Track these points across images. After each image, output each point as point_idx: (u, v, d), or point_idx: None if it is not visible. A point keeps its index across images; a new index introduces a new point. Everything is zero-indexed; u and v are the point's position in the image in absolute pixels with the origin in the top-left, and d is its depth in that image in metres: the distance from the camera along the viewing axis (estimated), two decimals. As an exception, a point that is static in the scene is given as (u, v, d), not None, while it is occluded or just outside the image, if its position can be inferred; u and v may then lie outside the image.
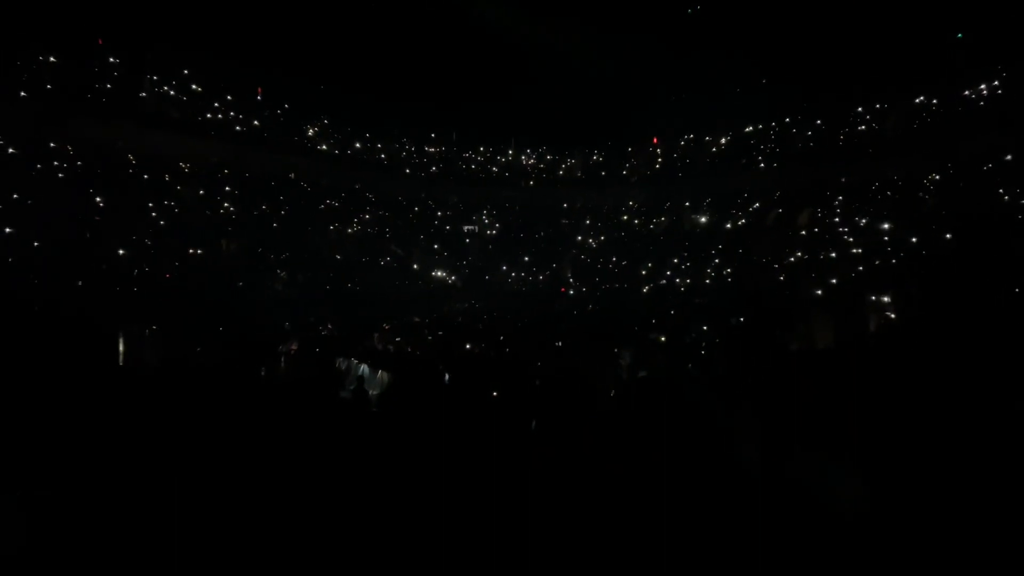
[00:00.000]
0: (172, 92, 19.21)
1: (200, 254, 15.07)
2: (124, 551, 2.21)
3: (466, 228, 23.18)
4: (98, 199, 14.70)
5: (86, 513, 2.31)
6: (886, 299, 10.51)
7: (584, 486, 2.66)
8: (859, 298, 11.00)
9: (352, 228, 20.39)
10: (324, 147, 22.77)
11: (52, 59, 16.42)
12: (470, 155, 25.31)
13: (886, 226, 15.55)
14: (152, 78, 18.73)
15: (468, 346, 11.86)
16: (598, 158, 25.17)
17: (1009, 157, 15.42)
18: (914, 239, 14.27)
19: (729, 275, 16.97)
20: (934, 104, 19.06)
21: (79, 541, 2.18)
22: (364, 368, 9.03)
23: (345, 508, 2.62)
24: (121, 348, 7.55)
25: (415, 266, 19.90)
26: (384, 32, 21.07)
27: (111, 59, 17.93)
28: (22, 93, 15.32)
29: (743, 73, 20.66)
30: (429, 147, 24.87)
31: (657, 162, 24.50)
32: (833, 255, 15.47)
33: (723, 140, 23.36)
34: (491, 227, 23.49)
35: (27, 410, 3.01)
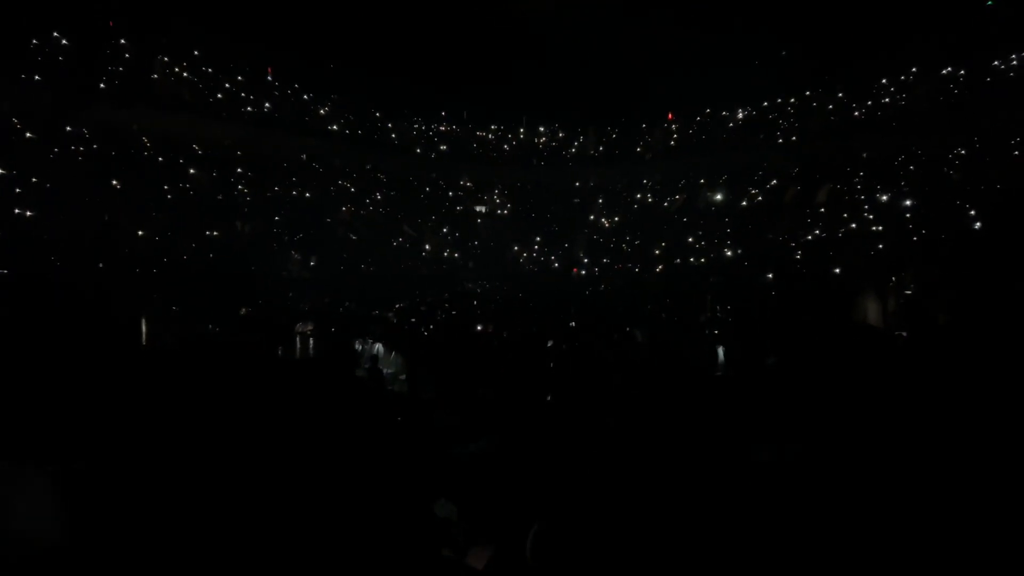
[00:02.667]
0: (184, 74, 19.21)
1: (216, 235, 15.25)
2: (146, 526, 2.28)
3: (478, 208, 23.08)
4: (115, 182, 14.87)
5: (111, 488, 2.38)
6: (908, 279, 10.32)
7: (597, 469, 2.67)
8: (880, 278, 10.81)
9: (365, 209, 20.43)
10: (335, 127, 22.69)
11: (65, 42, 16.46)
12: (482, 134, 25.05)
13: (909, 203, 15.16)
14: (164, 60, 18.72)
15: (480, 327, 11.93)
16: (611, 135, 24.75)
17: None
18: (936, 216, 13.90)
19: (745, 254, 16.74)
20: (961, 75, 18.35)
21: (107, 515, 2.25)
22: (378, 347, 9.15)
23: (361, 487, 2.67)
24: (143, 328, 7.73)
25: (427, 246, 19.94)
26: (394, 10, 20.72)
27: (123, 42, 17.92)
28: (37, 77, 15.42)
29: (762, 45, 20.03)
30: (440, 126, 24.64)
31: (672, 139, 24.01)
32: (853, 226, 15.17)
33: (740, 115, 22.78)
34: (503, 207, 23.36)
35: (52, 389, 3.10)
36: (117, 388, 3.50)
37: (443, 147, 24.47)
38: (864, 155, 19.13)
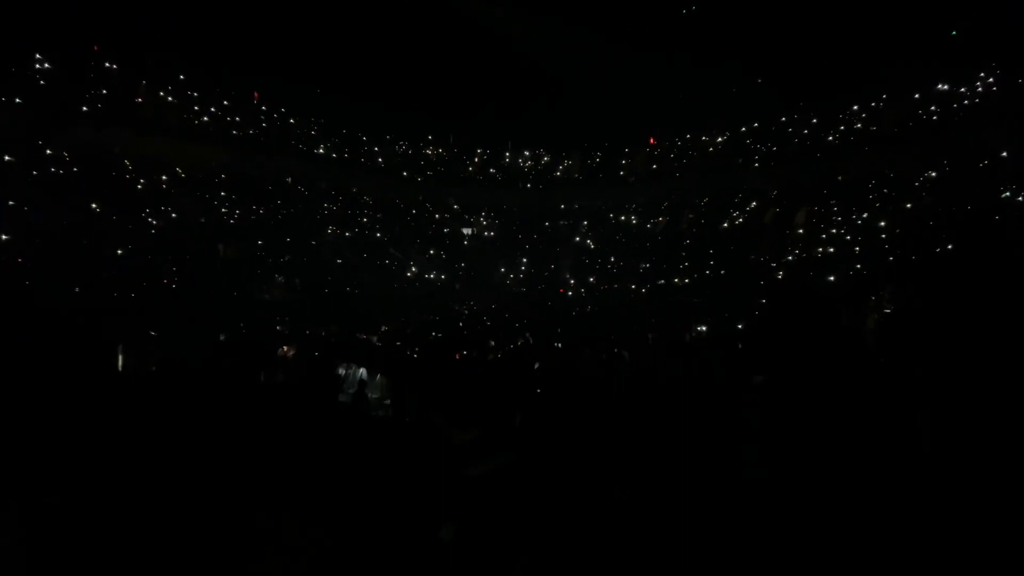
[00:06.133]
0: (169, 98, 19.18)
1: (198, 259, 15.05)
2: (124, 556, 2.20)
3: (464, 230, 23.16)
4: (95, 205, 14.67)
5: (87, 520, 2.30)
6: (884, 296, 10.53)
7: (587, 491, 2.65)
8: (857, 296, 11.03)
9: (350, 231, 20.38)
10: (321, 150, 22.75)
11: (48, 66, 16.38)
12: (467, 157, 25.30)
13: (882, 223, 15.61)
14: (148, 84, 18.70)
15: (467, 349, 11.86)
16: (595, 159, 25.17)
17: (1005, 154, 15.49)
18: (910, 236, 14.32)
19: (728, 274, 17.01)
20: (930, 101, 19.11)
21: (80, 547, 2.16)
22: (363, 372, 9.02)
23: (344, 513, 2.61)
24: (120, 354, 7.53)
25: (413, 268, 19.89)
26: (380, 35, 21.06)
27: (107, 65, 17.89)
28: (18, 100, 15.29)
29: (739, 72, 20.68)
30: (426, 149, 24.84)
31: (654, 162, 24.50)
32: (831, 251, 15.54)
33: (719, 139, 23.37)
34: (489, 229, 23.49)
35: (27, 417, 3.00)
36: (93, 416, 3.39)
37: (429, 171, 24.62)
38: (839, 178, 19.71)
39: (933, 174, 17.29)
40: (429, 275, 19.95)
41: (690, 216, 21.55)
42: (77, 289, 11.25)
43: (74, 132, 16.20)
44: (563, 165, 25.41)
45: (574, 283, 19.85)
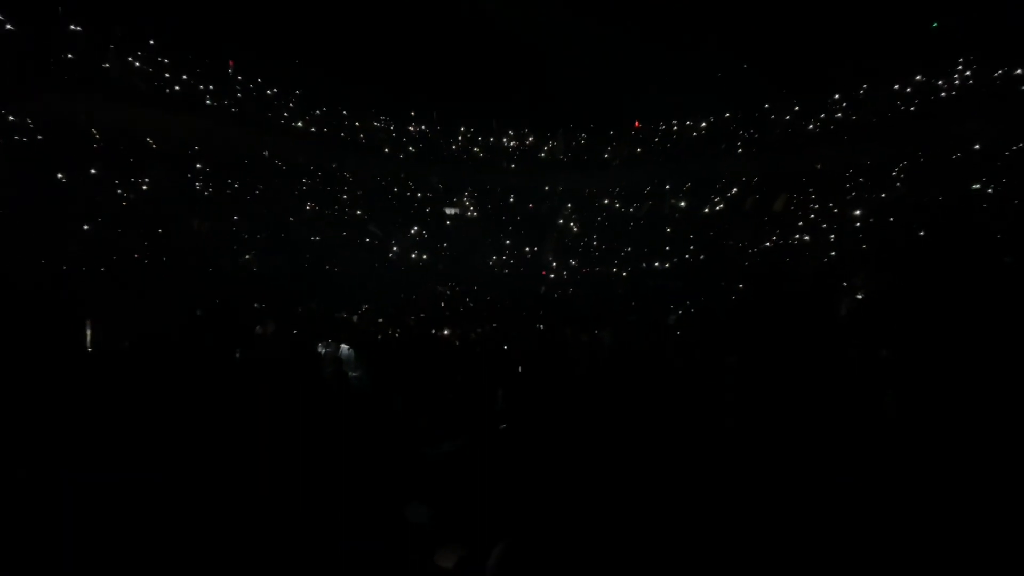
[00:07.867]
0: (138, 64, 18.33)
1: (171, 233, 14.62)
2: (94, 542, 2.16)
3: (447, 210, 22.94)
4: (60, 175, 14.07)
5: (57, 502, 2.24)
6: (858, 283, 10.81)
7: (569, 469, 2.68)
8: (832, 282, 11.29)
9: (329, 208, 19.99)
10: (300, 124, 22.12)
11: (9, 27, 15.48)
12: (452, 136, 24.92)
13: (858, 212, 15.95)
14: (117, 49, 17.83)
15: (448, 329, 11.85)
16: (580, 141, 25.05)
17: (977, 147, 15.88)
18: (884, 225, 14.67)
19: (707, 259, 17.25)
20: (907, 93, 19.43)
21: (52, 531, 2.12)
22: (342, 350, 8.93)
23: (326, 495, 2.60)
24: (88, 331, 7.32)
25: (395, 248, 19.67)
26: (363, 8, 20.42)
27: (72, 27, 16.98)
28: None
29: (724, 59, 20.71)
30: (410, 127, 24.36)
31: (638, 146, 24.50)
32: (807, 239, 15.86)
33: (703, 125, 23.45)
34: (472, 209, 23.30)
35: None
36: (61, 395, 3.30)
37: (412, 148, 24.20)
38: (818, 166, 20.00)
39: (907, 164, 17.66)
40: (410, 255, 19.76)
41: (672, 201, 21.70)
42: (43, 262, 10.86)
43: (37, 98, 15.42)
44: (548, 146, 25.23)
45: (556, 265, 19.90)
